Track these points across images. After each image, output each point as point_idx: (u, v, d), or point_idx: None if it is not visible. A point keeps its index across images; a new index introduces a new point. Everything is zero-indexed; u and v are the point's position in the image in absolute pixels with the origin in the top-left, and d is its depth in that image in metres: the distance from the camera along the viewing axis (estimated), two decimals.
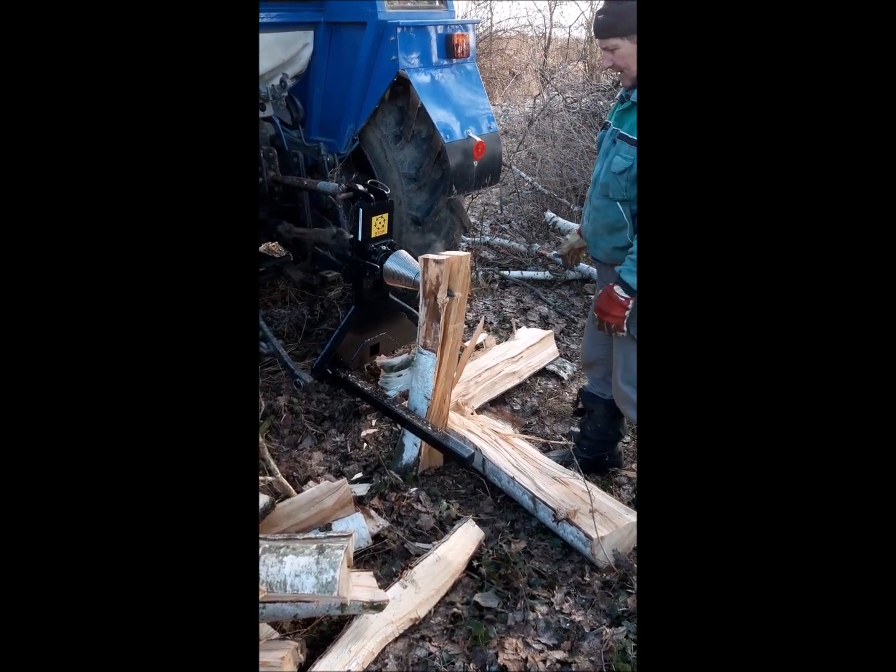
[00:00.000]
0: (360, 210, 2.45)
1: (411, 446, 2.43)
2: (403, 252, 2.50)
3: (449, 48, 3.03)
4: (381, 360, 2.69)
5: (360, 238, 2.49)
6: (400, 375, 2.74)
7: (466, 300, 2.33)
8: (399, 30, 2.83)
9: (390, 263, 2.46)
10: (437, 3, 3.16)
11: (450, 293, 2.21)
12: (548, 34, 8.64)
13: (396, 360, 2.65)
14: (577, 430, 2.55)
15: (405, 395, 2.58)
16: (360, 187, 2.54)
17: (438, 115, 2.91)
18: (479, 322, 2.89)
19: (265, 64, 3.00)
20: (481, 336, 3.26)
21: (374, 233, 2.50)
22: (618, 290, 1.91)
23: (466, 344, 2.74)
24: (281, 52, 3.04)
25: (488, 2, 8.48)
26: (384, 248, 2.52)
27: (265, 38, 2.94)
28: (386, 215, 2.53)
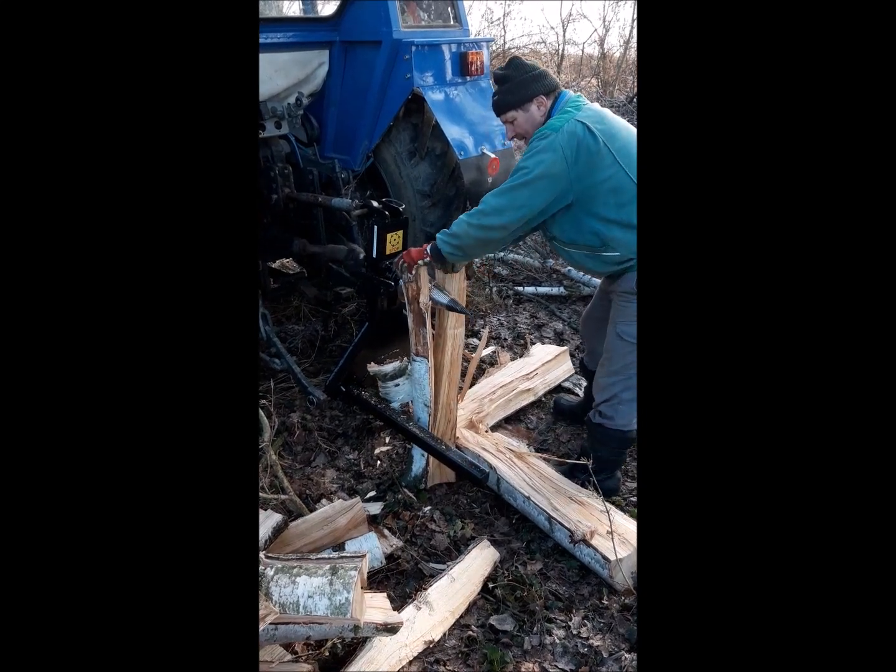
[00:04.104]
0: (375, 227, 2.45)
1: (419, 457, 2.41)
2: None
3: (463, 66, 3.05)
4: (373, 367, 2.68)
5: (374, 255, 2.49)
6: (398, 385, 2.71)
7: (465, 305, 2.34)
8: (414, 48, 2.85)
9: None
10: (452, 22, 3.19)
11: (456, 307, 2.20)
12: (561, 51, 8.69)
13: (388, 368, 2.63)
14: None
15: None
16: (375, 204, 2.54)
17: (452, 131, 2.92)
18: (484, 332, 2.88)
19: (281, 83, 3.03)
20: (489, 349, 3.23)
21: (389, 250, 2.50)
22: (428, 247, 2.16)
23: (473, 355, 2.72)
24: (297, 70, 3.08)
25: (508, 7, 8.56)
26: None
27: (281, 58, 2.98)
28: (401, 232, 2.53)
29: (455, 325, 2.29)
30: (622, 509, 2.22)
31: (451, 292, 2.24)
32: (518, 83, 2.06)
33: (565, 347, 3.26)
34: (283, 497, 2.12)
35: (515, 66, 2.10)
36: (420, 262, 2.17)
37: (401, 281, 2.44)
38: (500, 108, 2.14)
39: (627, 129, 2.03)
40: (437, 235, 2.16)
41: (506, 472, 2.31)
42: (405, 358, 2.50)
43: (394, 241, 2.51)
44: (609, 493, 2.25)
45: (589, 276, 4.14)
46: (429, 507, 2.30)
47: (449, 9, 3.19)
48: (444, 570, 1.95)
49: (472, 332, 3.58)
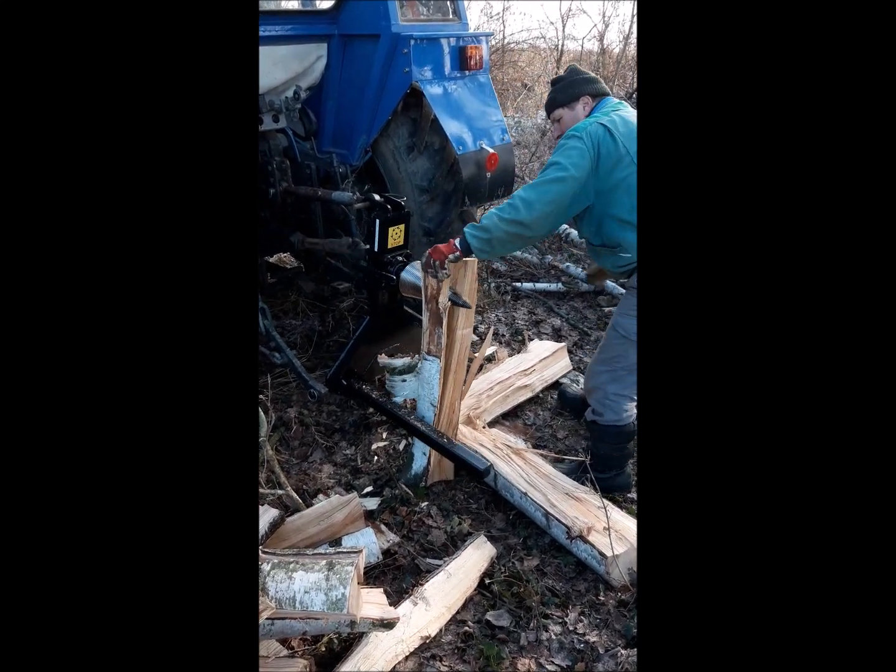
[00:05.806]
0: (377, 221, 2.44)
1: (420, 456, 2.40)
2: (419, 263, 2.49)
3: (462, 60, 3.03)
4: (383, 359, 2.66)
5: (376, 249, 2.48)
6: (404, 381, 2.70)
7: (475, 307, 2.32)
8: (412, 42, 2.83)
9: (407, 274, 2.44)
10: (451, 16, 3.17)
11: (459, 300, 2.19)
12: (560, 46, 8.65)
13: (398, 363, 2.62)
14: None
15: (413, 404, 2.56)
16: (377, 197, 2.53)
17: (451, 126, 2.91)
18: (488, 332, 2.87)
19: (279, 76, 3.01)
20: (491, 348, 3.23)
21: (391, 244, 2.49)
22: (457, 241, 2.12)
23: (476, 355, 2.72)
24: (295, 64, 3.06)
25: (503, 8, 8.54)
26: (400, 258, 2.51)
27: (279, 51, 2.96)
28: (402, 226, 2.53)
29: (464, 326, 2.27)
30: (619, 506, 2.22)
31: (462, 292, 2.23)
32: (569, 83, 2.24)
33: (563, 344, 3.26)
34: (279, 492, 2.11)
35: (570, 70, 2.29)
36: (450, 256, 2.10)
37: (401, 275, 2.43)
38: (550, 105, 2.30)
39: None
40: (466, 230, 2.10)
41: (503, 468, 2.31)
42: (416, 355, 2.49)
43: (395, 234, 2.50)
44: (621, 490, 2.33)
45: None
46: (426, 503, 2.30)
47: (448, 3, 3.17)
48: (440, 565, 1.95)
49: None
